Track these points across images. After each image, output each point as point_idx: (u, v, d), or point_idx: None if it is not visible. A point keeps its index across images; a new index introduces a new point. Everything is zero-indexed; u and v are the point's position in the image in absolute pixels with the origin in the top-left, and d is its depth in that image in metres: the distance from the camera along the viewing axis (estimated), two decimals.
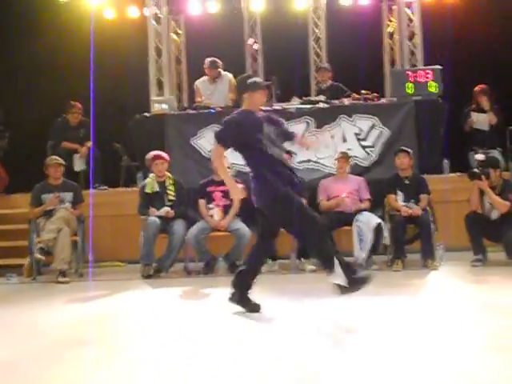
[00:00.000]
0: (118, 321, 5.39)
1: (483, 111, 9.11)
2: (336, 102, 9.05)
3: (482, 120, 9.05)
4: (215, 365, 3.81)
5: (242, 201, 7.72)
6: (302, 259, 7.61)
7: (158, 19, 10.99)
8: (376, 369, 3.61)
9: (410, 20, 10.88)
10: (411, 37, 10.91)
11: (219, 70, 9.51)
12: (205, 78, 9.61)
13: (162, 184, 7.82)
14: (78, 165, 9.36)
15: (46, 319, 5.42)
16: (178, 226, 7.58)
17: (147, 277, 7.46)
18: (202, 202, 7.84)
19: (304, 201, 5.44)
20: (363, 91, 9.07)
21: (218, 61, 9.50)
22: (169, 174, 7.90)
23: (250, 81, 5.31)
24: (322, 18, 11.57)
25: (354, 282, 4.82)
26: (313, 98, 9.33)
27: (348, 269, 4.84)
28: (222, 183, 7.90)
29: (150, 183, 7.84)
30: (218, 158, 5.39)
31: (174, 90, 11.50)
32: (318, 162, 8.66)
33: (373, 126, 8.73)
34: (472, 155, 8.82)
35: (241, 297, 5.27)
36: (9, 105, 10.07)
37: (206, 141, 8.85)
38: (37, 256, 7.46)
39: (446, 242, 7.75)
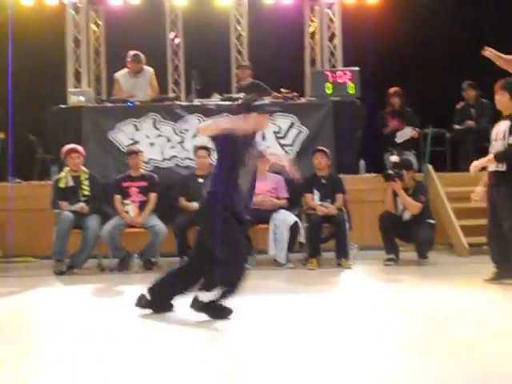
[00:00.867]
0: (26, 319, 5.21)
1: (397, 113, 9.32)
2: None
3: (405, 134, 9.26)
4: (128, 361, 3.74)
5: (158, 197, 7.73)
6: None
7: (76, 9, 10.74)
8: (285, 368, 3.62)
9: (331, 21, 11.02)
10: (331, 37, 11.05)
11: (142, 64, 9.35)
12: (125, 70, 9.43)
13: (76, 179, 7.63)
14: None
15: None
16: (93, 221, 7.42)
17: (59, 273, 7.28)
18: (117, 197, 7.70)
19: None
20: (283, 90, 9.12)
21: (142, 55, 9.34)
22: (84, 169, 7.72)
23: (258, 103, 5.12)
24: (245, 15, 11.56)
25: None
26: (233, 95, 9.30)
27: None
28: (138, 179, 7.82)
29: (64, 177, 7.64)
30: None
31: (92, 81, 11.26)
32: None
33: (292, 125, 8.79)
34: (387, 156, 9.02)
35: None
36: None
37: (124, 135, 8.71)
38: None
39: (360, 241, 7.90)
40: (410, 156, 8.88)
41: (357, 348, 4.06)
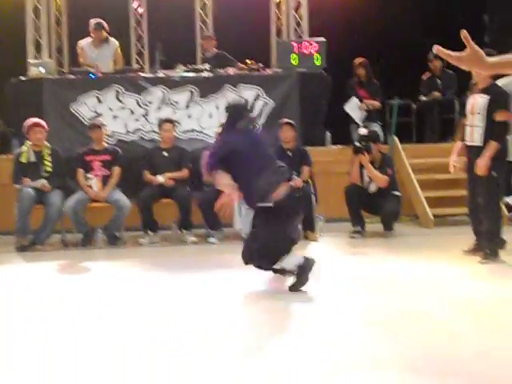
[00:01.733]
0: None
1: (363, 85, 9.27)
2: (221, 71, 8.94)
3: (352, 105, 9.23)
4: (94, 339, 3.69)
5: (122, 171, 7.61)
6: (184, 230, 7.53)
7: None
8: (245, 342, 3.60)
9: None
10: (297, 7, 10.91)
11: (106, 34, 9.12)
12: (90, 39, 9.19)
13: (38, 154, 7.46)
14: None
15: None
16: (55, 197, 7.28)
17: (21, 249, 7.15)
18: (80, 171, 7.56)
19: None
20: (248, 61, 9.00)
21: (104, 23, 9.10)
22: (46, 144, 7.55)
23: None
24: None
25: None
26: (197, 67, 9.17)
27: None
28: (101, 152, 7.69)
29: (26, 152, 7.46)
30: None
31: (53, 52, 10.99)
32: (202, 132, 8.55)
33: (257, 97, 8.69)
34: (353, 128, 8.99)
35: None
36: None
37: (86, 108, 8.52)
38: None
39: (326, 214, 7.88)
40: (376, 128, 8.83)
41: (320, 323, 4.06)
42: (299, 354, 3.44)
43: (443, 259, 5.97)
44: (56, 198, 7.27)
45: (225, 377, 3.17)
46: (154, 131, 8.35)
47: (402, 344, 3.56)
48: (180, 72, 8.87)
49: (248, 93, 8.68)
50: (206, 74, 8.79)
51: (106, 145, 7.82)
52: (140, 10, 11.40)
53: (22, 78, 8.76)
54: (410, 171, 8.48)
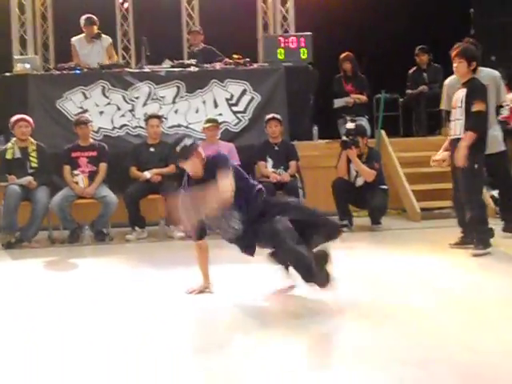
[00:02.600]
0: None
1: (350, 79, 9.27)
2: (208, 66, 8.91)
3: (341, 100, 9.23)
4: (73, 335, 3.68)
5: (108, 167, 7.58)
6: (171, 226, 7.51)
7: None
8: (233, 335, 3.60)
9: None
10: (284, 2, 10.90)
11: (97, 30, 9.06)
12: (82, 35, 9.12)
13: (24, 150, 7.42)
14: None
15: None
16: (41, 193, 7.24)
17: (8, 246, 7.11)
18: (66, 168, 7.53)
19: None
20: (235, 56, 8.98)
21: (94, 18, 9.04)
22: (32, 140, 7.50)
23: None
24: None
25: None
26: (184, 62, 9.13)
27: None
28: (87, 148, 7.66)
29: (11, 148, 7.42)
30: None
31: (39, 48, 10.94)
32: (189, 128, 8.52)
33: (244, 92, 8.68)
34: (341, 122, 8.99)
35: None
36: None
37: (72, 104, 8.48)
38: None
39: (313, 207, 7.86)
40: (363, 121, 8.84)
41: (307, 316, 4.05)
42: (286, 347, 3.44)
43: (431, 252, 5.98)
44: (42, 195, 7.24)
45: (213, 371, 3.16)
46: (141, 127, 8.33)
47: (388, 336, 3.57)
48: (166, 67, 8.84)
49: (235, 88, 8.67)
50: (192, 69, 8.77)
51: (92, 141, 7.78)
52: (126, 5, 11.37)
53: (7, 74, 8.70)
54: (397, 165, 8.50)
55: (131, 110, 8.53)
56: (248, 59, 9.01)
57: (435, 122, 9.46)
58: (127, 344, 3.62)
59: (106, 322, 4.09)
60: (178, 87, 8.59)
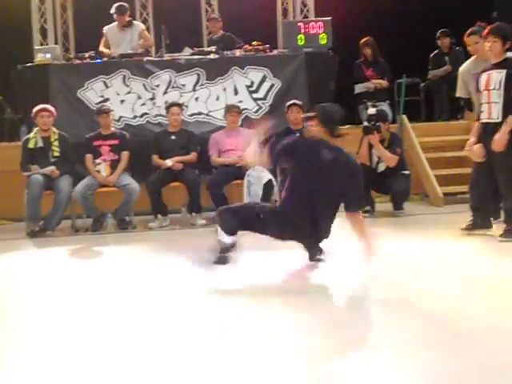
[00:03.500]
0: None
1: (370, 64, 9.21)
2: (227, 53, 8.89)
3: (362, 86, 9.17)
4: (112, 326, 3.71)
5: (130, 155, 7.62)
6: (193, 213, 7.53)
7: None
8: (251, 321, 3.60)
9: None
10: None
11: (129, 17, 9.08)
12: (114, 23, 9.14)
13: (46, 139, 7.47)
14: None
15: None
16: (64, 182, 7.29)
17: (32, 235, 7.17)
18: (88, 156, 7.57)
19: None
20: (254, 42, 8.95)
21: (126, 5, 9.05)
22: (54, 129, 7.55)
23: None
24: None
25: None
26: (204, 49, 9.12)
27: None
28: (109, 137, 7.69)
29: (34, 138, 7.48)
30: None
31: (59, 38, 10.98)
32: (209, 115, 8.52)
33: (264, 78, 8.65)
34: (362, 108, 8.93)
35: None
36: None
37: (93, 93, 8.50)
38: None
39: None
40: (385, 106, 8.79)
41: (335, 302, 4.06)
42: (311, 331, 3.45)
43: (454, 237, 5.94)
44: (65, 184, 7.29)
45: (220, 361, 3.17)
46: (162, 115, 8.34)
47: (414, 321, 3.56)
48: (186, 55, 8.83)
49: (255, 74, 8.65)
50: (212, 57, 8.75)
51: (113, 129, 7.82)
52: None
53: (28, 65, 8.74)
54: (419, 150, 8.44)
55: (152, 99, 8.53)
56: (268, 45, 8.97)
57: (457, 106, 9.36)
58: (148, 331, 3.64)
59: (128, 310, 4.12)
60: (199, 75, 8.58)
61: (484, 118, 5.78)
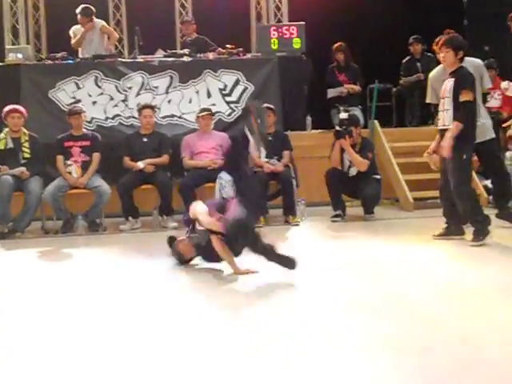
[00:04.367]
0: None
1: (343, 69, 9.27)
2: (201, 56, 8.89)
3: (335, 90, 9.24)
4: (64, 325, 3.68)
5: (102, 157, 7.58)
6: (165, 216, 7.51)
7: None
8: (225, 324, 3.60)
9: None
10: None
11: (88, 19, 9.03)
12: (79, 25, 9.13)
13: (16, 140, 7.40)
14: None
15: None
16: (34, 184, 7.23)
17: (1, 236, 7.09)
18: (59, 158, 7.51)
19: None
20: (228, 46, 8.96)
21: (91, 8, 9.01)
22: (24, 130, 7.48)
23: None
24: None
25: None
26: (177, 52, 9.11)
27: None
28: (80, 138, 7.64)
29: (4, 139, 7.40)
30: None
31: (31, 38, 10.88)
32: (182, 118, 8.52)
33: (237, 82, 8.67)
34: (334, 113, 8.99)
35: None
36: None
37: (65, 94, 8.47)
38: None
39: (307, 198, 7.88)
40: (356, 111, 8.86)
41: (304, 306, 4.07)
42: (282, 338, 3.45)
43: (424, 242, 6.00)
44: (35, 185, 7.22)
45: (205, 363, 3.17)
46: (134, 117, 8.32)
47: (381, 326, 3.58)
48: (159, 57, 8.81)
49: (228, 78, 8.67)
50: (185, 59, 8.75)
51: (85, 130, 7.77)
52: None
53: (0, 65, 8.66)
54: (391, 155, 8.51)
55: (124, 100, 8.51)
56: (241, 49, 8.99)
57: (428, 112, 9.45)
58: (120, 333, 3.62)
59: (99, 312, 4.09)
60: (171, 77, 8.57)
61: (440, 125, 5.99)
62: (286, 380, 2.90)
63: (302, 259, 5.35)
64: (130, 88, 8.50)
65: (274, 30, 8.96)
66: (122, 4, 11.23)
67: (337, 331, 3.54)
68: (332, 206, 7.54)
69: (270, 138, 7.71)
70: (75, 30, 9.11)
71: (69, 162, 7.47)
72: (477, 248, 5.63)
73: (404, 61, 9.81)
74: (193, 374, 2.98)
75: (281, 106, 8.47)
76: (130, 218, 7.47)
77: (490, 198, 7.40)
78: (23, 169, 7.25)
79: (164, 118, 8.46)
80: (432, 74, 6.80)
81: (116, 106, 8.49)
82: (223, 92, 8.66)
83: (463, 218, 5.94)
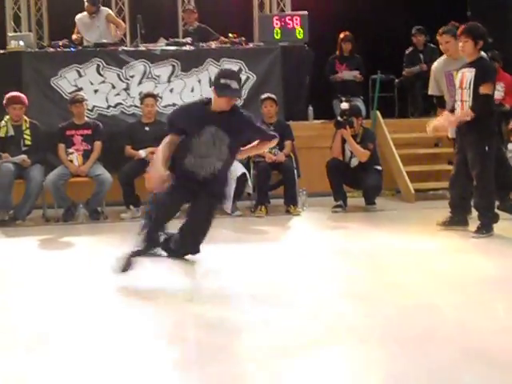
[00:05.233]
0: None
1: (346, 59, 9.24)
2: (203, 44, 8.86)
3: (348, 75, 9.20)
4: (64, 313, 3.69)
5: (103, 145, 7.57)
6: None
7: None
8: (221, 313, 3.61)
9: None
10: None
11: (94, 7, 9.02)
12: (85, 13, 9.12)
13: (18, 128, 7.38)
14: None
15: None
16: (35, 171, 7.21)
17: (2, 224, 7.09)
18: (61, 146, 7.50)
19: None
20: (230, 35, 8.93)
21: None
22: (26, 118, 7.47)
23: (222, 82, 4.99)
24: None
25: None
26: (179, 40, 9.08)
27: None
28: (82, 127, 7.62)
29: (5, 126, 7.38)
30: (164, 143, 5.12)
31: (33, 25, 10.84)
32: None
33: (239, 71, 8.63)
34: (336, 103, 8.97)
35: None
36: None
37: (66, 82, 8.44)
38: None
39: (309, 188, 7.87)
40: (358, 102, 8.83)
41: (301, 296, 4.07)
42: (279, 326, 3.46)
43: (424, 233, 6.00)
44: (36, 173, 7.22)
45: (200, 357, 3.18)
46: (136, 105, 8.30)
47: (382, 316, 3.59)
48: (161, 45, 8.79)
49: (230, 67, 8.60)
50: (187, 48, 8.72)
51: (86, 119, 7.75)
52: None
53: (1, 52, 8.63)
54: (392, 146, 8.49)
55: (126, 89, 8.49)
56: (243, 38, 8.96)
57: (430, 104, 9.42)
58: (118, 321, 3.63)
59: (97, 300, 4.10)
60: (174, 66, 8.55)
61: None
62: (289, 370, 2.91)
63: (302, 248, 5.39)
64: (132, 76, 8.48)
65: (276, 20, 8.93)
66: None
67: (337, 321, 3.55)
68: (333, 196, 7.53)
69: (271, 128, 7.73)
70: (80, 18, 9.08)
71: (70, 151, 7.46)
72: (478, 240, 5.63)
73: (407, 52, 9.78)
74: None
75: (282, 96, 8.44)
76: (131, 207, 7.46)
77: None
78: (24, 156, 7.24)
79: (166, 106, 8.43)
80: (435, 66, 6.75)
81: (118, 94, 8.47)
82: None
83: (476, 208, 5.88)
